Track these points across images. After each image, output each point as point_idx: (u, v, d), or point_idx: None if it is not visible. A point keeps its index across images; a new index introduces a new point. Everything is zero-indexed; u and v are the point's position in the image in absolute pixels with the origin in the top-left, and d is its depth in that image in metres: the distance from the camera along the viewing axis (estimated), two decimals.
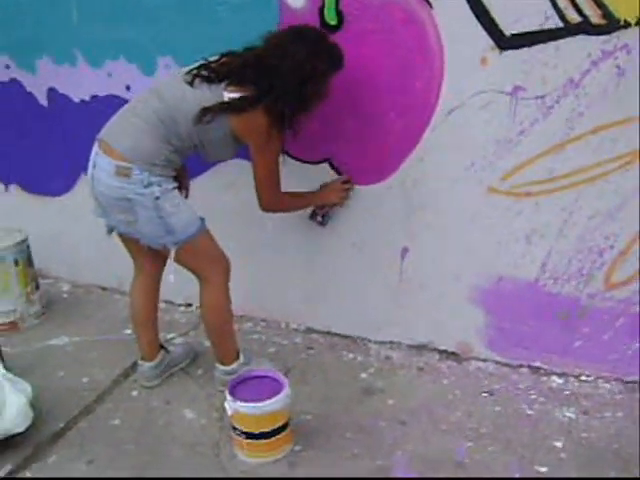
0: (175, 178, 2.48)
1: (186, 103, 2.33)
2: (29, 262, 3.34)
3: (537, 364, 2.74)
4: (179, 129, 2.35)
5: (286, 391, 2.35)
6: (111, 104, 3.09)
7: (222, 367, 2.72)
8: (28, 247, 3.34)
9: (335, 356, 2.96)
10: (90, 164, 2.47)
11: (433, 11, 2.41)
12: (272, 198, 2.56)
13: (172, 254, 2.47)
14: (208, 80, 2.34)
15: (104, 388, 2.82)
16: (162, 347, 2.88)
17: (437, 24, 2.42)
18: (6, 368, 2.68)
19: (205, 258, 2.56)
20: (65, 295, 3.66)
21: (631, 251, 2.46)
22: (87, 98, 3.22)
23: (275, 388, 2.38)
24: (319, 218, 2.81)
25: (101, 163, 2.40)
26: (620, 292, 2.52)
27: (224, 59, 2.41)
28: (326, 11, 2.55)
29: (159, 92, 2.40)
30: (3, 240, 3.25)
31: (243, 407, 2.31)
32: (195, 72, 2.36)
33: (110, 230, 2.60)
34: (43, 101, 3.36)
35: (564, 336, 2.66)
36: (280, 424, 2.34)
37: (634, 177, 2.36)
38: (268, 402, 2.29)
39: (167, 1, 2.83)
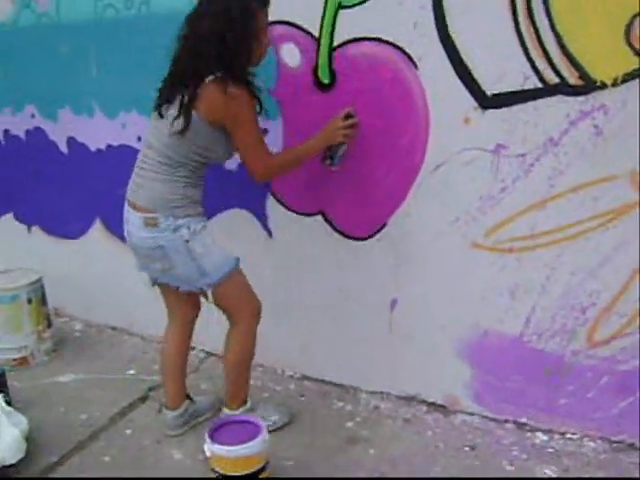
0: (203, 215, 2.53)
1: (166, 135, 2.38)
2: (42, 301, 3.49)
3: (523, 420, 2.73)
4: (176, 159, 2.40)
5: (262, 437, 2.39)
6: (124, 154, 3.30)
7: (228, 411, 2.74)
8: (42, 287, 3.49)
9: (325, 404, 2.99)
10: (124, 221, 2.56)
11: (418, 71, 2.51)
12: (262, 165, 2.46)
13: (210, 297, 2.52)
14: (168, 100, 2.39)
15: (100, 425, 2.90)
16: (187, 396, 2.87)
17: (422, 84, 2.51)
18: (7, 402, 2.80)
19: (237, 298, 2.60)
20: (77, 334, 3.80)
21: (613, 309, 2.46)
22: (103, 147, 3.41)
23: (255, 433, 2.43)
24: (327, 161, 2.63)
25: (131, 218, 2.50)
26: (603, 350, 2.51)
27: (171, 72, 2.44)
28: (320, 70, 2.68)
29: (148, 141, 2.50)
30: (18, 280, 3.43)
31: (219, 450, 2.35)
32: (158, 103, 2.43)
33: (154, 282, 2.66)
34: (63, 149, 3.56)
35: (549, 392, 2.65)
36: (255, 468, 2.37)
37: (614, 235, 2.38)
38: (242, 446, 2.33)
39: None
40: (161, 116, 2.41)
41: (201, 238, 2.46)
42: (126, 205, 2.54)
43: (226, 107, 2.32)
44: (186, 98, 2.31)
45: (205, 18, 2.29)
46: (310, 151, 2.59)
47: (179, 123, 2.33)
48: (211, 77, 2.29)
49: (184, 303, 2.73)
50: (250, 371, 2.74)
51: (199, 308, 2.79)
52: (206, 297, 2.57)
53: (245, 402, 2.76)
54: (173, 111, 2.35)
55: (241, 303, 2.62)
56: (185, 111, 2.31)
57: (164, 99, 2.41)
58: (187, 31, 2.36)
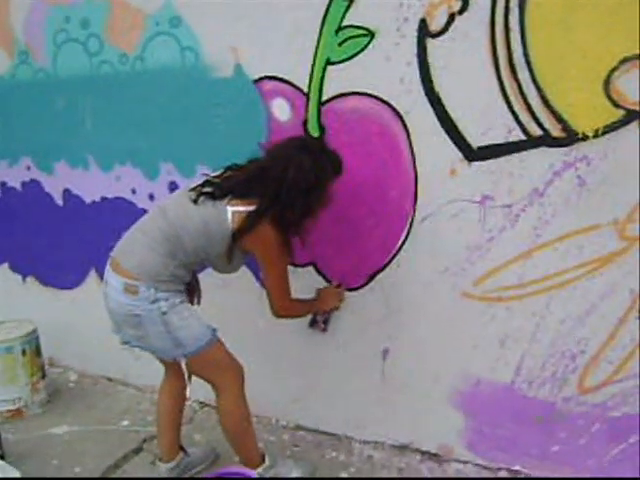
0: (184, 291, 2.51)
1: (190, 221, 2.37)
2: (37, 352, 3.50)
3: (516, 467, 2.73)
4: (185, 245, 2.39)
5: None
6: (119, 206, 3.35)
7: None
8: (37, 338, 3.50)
9: (319, 454, 2.98)
10: (103, 282, 2.53)
11: (405, 125, 2.57)
12: (285, 305, 2.56)
13: (184, 366, 2.48)
14: (212, 196, 2.38)
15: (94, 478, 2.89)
16: (182, 448, 2.85)
17: (409, 137, 2.57)
18: (0, 455, 2.81)
19: (216, 368, 2.56)
20: (72, 384, 3.80)
21: (602, 356, 2.48)
22: (97, 199, 3.45)
23: None
24: (322, 325, 2.88)
25: (111, 281, 2.45)
26: (594, 397, 2.53)
27: (227, 173, 2.49)
28: (309, 124, 2.74)
29: (165, 211, 2.44)
30: (13, 331, 3.44)
31: None
32: (199, 189, 2.42)
33: (124, 343, 2.58)
34: (59, 201, 3.61)
35: (542, 440, 2.66)
36: None
37: (600, 283, 2.41)
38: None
39: (169, 114, 3.07)
40: (195, 202, 2.39)
41: (178, 311, 2.42)
42: (108, 265, 2.49)
43: (268, 245, 2.37)
44: (243, 226, 2.33)
45: (296, 168, 2.33)
46: (312, 310, 2.84)
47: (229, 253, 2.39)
48: (271, 214, 2.33)
49: (178, 364, 2.63)
50: (252, 431, 2.68)
51: None
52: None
53: (263, 460, 2.70)
54: (212, 210, 2.36)
55: (219, 372, 2.57)
56: (237, 239, 2.35)
57: (209, 192, 2.40)
58: (269, 163, 2.40)
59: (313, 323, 2.90)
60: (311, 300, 2.80)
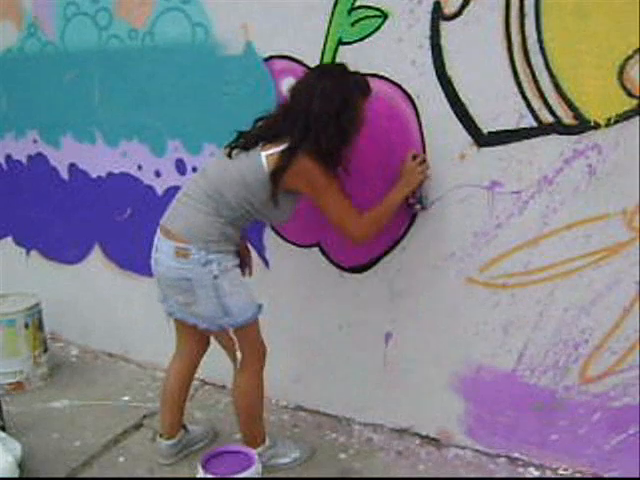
0: (236, 254, 2.52)
1: (228, 174, 2.38)
2: (39, 326, 3.50)
3: (515, 454, 2.73)
4: (228, 200, 2.38)
5: (255, 467, 2.40)
6: (124, 181, 3.34)
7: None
8: (40, 312, 3.51)
9: (319, 435, 2.99)
10: (153, 249, 2.54)
11: (416, 108, 2.55)
12: (358, 229, 2.45)
13: (231, 334, 2.50)
14: (245, 147, 2.40)
15: (93, 453, 2.90)
16: (183, 426, 2.87)
17: (419, 120, 2.55)
18: (1, 427, 2.82)
19: (249, 344, 2.57)
20: (73, 359, 3.81)
21: (606, 346, 2.48)
22: (103, 175, 3.45)
23: (248, 463, 2.44)
24: (418, 206, 2.61)
25: (162, 246, 2.47)
26: (596, 386, 2.53)
27: (258, 124, 2.49)
28: None
29: (204, 171, 2.50)
30: (16, 304, 3.45)
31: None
32: (232, 144, 2.45)
33: (170, 315, 2.62)
34: (65, 175, 3.60)
35: (541, 428, 2.66)
36: None
37: (606, 273, 2.40)
38: (235, 476, 2.35)
39: (177, 91, 3.06)
40: (229, 156, 2.41)
41: (230, 276, 2.44)
42: (158, 232, 2.52)
43: (312, 178, 2.33)
44: (279, 165, 2.31)
45: (320, 95, 2.29)
46: (397, 201, 2.54)
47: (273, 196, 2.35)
48: (306, 148, 2.30)
49: (195, 341, 2.71)
50: (262, 412, 2.71)
51: (208, 345, 2.77)
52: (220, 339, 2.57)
53: (264, 441, 2.73)
54: (246, 160, 2.36)
55: (250, 349, 2.58)
56: (277, 179, 2.32)
57: (242, 145, 2.41)
58: (293, 100, 2.38)
59: (410, 205, 2.65)
60: (389, 195, 2.54)
